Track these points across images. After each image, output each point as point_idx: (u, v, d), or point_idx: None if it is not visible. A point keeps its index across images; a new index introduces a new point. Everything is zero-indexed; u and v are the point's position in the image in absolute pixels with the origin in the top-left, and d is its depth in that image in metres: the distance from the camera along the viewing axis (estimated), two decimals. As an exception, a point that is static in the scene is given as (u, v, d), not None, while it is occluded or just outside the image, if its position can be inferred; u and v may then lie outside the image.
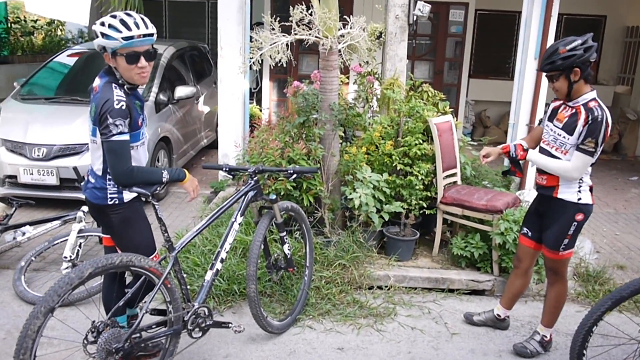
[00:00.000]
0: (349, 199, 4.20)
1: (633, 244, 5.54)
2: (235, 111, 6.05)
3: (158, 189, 2.73)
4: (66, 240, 4.24)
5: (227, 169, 3.33)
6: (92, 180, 2.76)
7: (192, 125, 7.40)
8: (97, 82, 2.67)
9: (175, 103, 6.81)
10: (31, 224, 4.57)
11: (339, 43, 4.26)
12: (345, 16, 4.37)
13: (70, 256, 4.14)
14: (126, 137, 2.57)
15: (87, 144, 2.82)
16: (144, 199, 2.73)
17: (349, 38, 4.34)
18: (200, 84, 7.91)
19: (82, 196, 2.90)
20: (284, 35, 4.08)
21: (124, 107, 2.54)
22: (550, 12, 5.83)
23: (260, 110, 9.67)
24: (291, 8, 3.96)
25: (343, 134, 4.80)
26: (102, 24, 2.56)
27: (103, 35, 2.55)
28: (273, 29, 4.12)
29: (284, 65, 3.99)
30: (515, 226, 4.09)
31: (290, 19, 3.96)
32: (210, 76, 8.51)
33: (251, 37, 4.21)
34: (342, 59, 4.44)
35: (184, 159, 7.13)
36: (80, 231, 4.18)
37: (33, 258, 4.30)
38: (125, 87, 2.64)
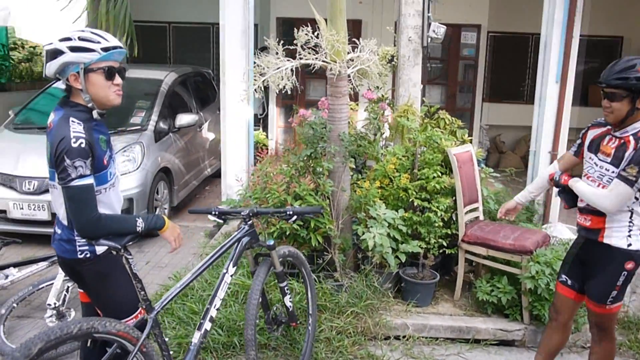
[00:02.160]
0: (362, 240, 3.80)
1: (670, 281, 5.08)
2: (239, 140, 5.70)
3: (131, 241, 2.32)
4: (52, 284, 3.87)
5: (217, 212, 2.94)
6: (59, 231, 2.39)
7: (194, 154, 7.06)
8: (51, 117, 2.31)
9: (177, 131, 6.49)
10: (15, 265, 4.20)
11: (348, 68, 3.92)
12: (354, 39, 4.04)
13: (55, 303, 3.76)
14: (88, 180, 2.19)
15: None
16: (114, 253, 2.33)
17: (359, 62, 4.00)
18: (204, 110, 7.61)
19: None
20: (288, 60, 3.74)
21: (83, 145, 2.16)
22: (571, 33, 5.47)
23: (267, 137, 9.36)
24: (295, 30, 3.63)
25: (354, 166, 4.43)
26: (68, 39, 2.24)
27: (74, 49, 2.22)
28: (277, 53, 3.79)
29: (288, 92, 3.65)
30: (547, 269, 3.67)
31: (295, 42, 3.62)
32: (215, 102, 8.21)
33: (255, 62, 3.88)
34: (352, 84, 4.10)
35: (186, 190, 6.78)
36: (67, 275, 3.80)
37: (15, 304, 3.91)
38: (93, 114, 2.31)
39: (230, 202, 4.84)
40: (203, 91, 8.03)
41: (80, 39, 2.25)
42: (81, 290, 2.59)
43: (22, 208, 5.18)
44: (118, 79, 2.35)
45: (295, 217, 3.01)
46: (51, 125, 2.26)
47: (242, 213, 2.92)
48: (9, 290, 4.25)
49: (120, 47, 2.35)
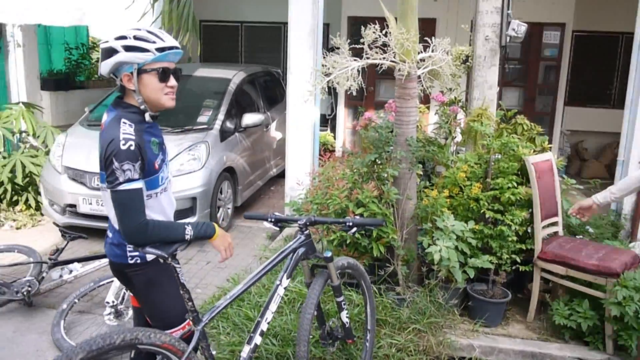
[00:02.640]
0: (427, 252, 3.56)
1: None
2: (304, 142, 5.59)
3: (179, 249, 2.21)
4: (112, 281, 3.89)
5: (273, 219, 2.80)
6: (110, 235, 2.32)
7: (260, 154, 7.01)
8: (104, 117, 2.24)
9: (243, 131, 6.45)
10: (79, 260, 4.26)
11: (419, 68, 3.68)
12: (426, 38, 3.79)
13: (114, 302, 3.77)
14: (137, 184, 2.09)
15: None
16: (161, 261, 2.22)
17: (430, 62, 3.75)
18: (271, 110, 7.56)
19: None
20: (355, 60, 3.56)
21: (132, 148, 2.07)
22: (670, 32, 4.96)
23: (334, 138, 9.22)
24: (362, 28, 3.44)
25: (421, 172, 4.17)
26: (124, 37, 2.14)
27: (129, 48, 2.12)
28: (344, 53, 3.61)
29: (354, 93, 3.45)
30: (636, 295, 3.28)
31: (362, 40, 3.43)
32: (283, 102, 8.12)
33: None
34: (422, 86, 3.85)
35: (250, 190, 6.74)
36: (126, 273, 3.80)
37: (76, 300, 3.97)
38: (145, 116, 2.22)
39: (293, 204, 4.72)
40: (271, 91, 7.98)
41: (135, 38, 2.15)
42: (132, 295, 2.53)
43: (91, 203, 5.29)
44: (172, 81, 2.24)
45: (355, 228, 2.81)
46: (103, 126, 2.19)
47: (298, 222, 2.77)
48: (73, 284, 4.33)
49: (177, 48, 2.24)
